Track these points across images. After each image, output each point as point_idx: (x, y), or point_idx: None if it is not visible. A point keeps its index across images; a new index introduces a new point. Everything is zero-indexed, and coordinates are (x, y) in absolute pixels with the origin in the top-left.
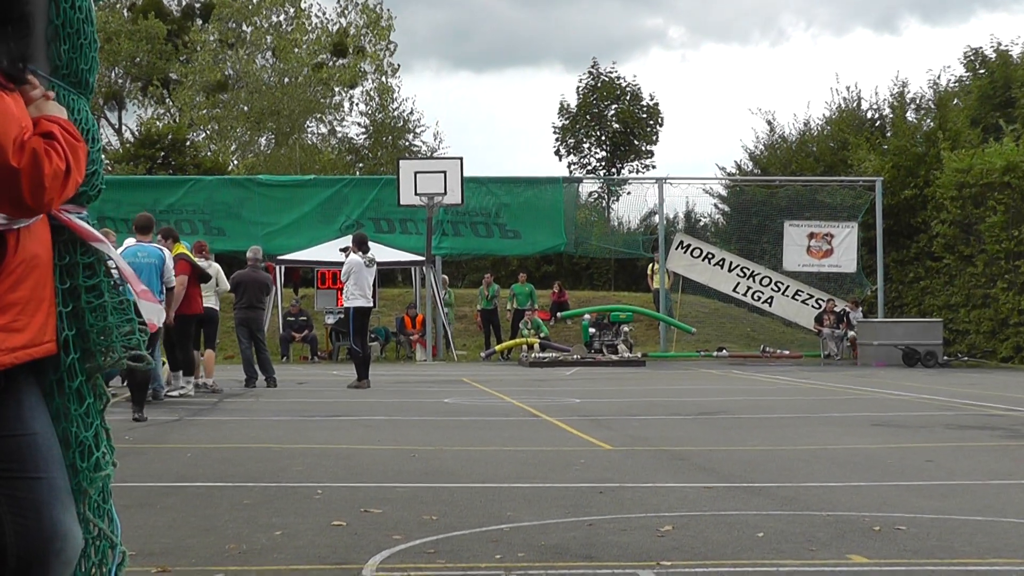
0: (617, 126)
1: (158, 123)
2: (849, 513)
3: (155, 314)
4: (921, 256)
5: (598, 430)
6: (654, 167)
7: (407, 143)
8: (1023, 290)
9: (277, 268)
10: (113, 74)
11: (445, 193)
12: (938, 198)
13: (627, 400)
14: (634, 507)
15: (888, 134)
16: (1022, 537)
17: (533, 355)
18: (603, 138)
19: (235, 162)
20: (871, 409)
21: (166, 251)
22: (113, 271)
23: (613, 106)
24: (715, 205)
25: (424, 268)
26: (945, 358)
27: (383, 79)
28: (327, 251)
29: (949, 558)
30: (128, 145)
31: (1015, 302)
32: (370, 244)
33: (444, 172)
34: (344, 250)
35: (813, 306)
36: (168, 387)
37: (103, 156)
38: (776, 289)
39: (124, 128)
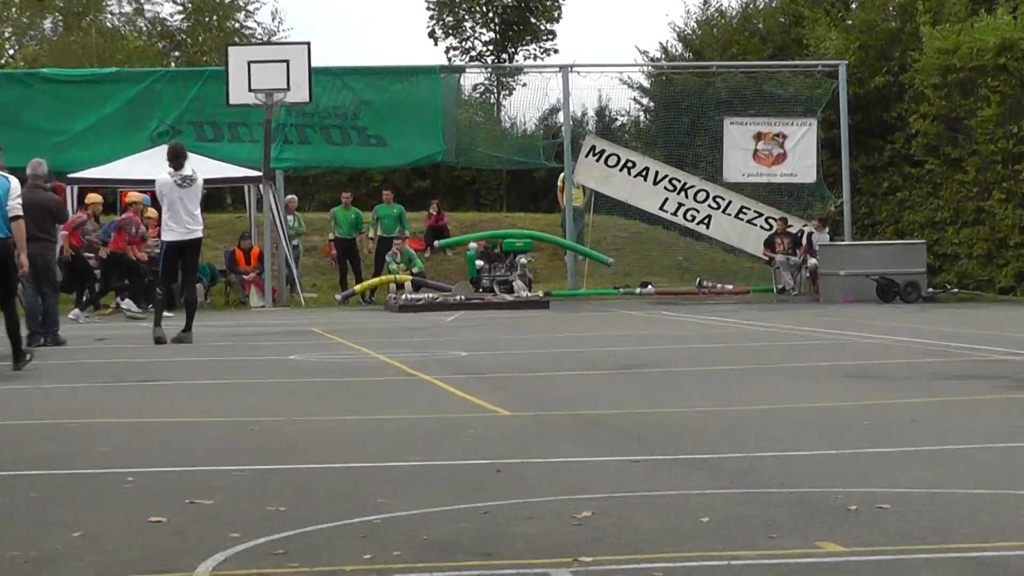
0: None
1: None
2: (817, 489)
3: None
4: (897, 161)
5: (491, 391)
6: (556, 52)
7: (237, 25)
8: (1023, 201)
9: (68, 189)
10: None
11: (288, 89)
12: (917, 86)
13: (527, 352)
14: (541, 489)
15: (853, 5)
16: None
17: (404, 296)
18: (491, 15)
19: (10, 52)
20: (839, 357)
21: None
22: None
23: None
24: (635, 99)
25: (262, 186)
26: (930, 290)
27: None
28: (135, 165)
29: (945, 543)
30: None
31: (1015, 217)
32: (189, 156)
33: (286, 62)
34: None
35: (762, 227)
36: None
37: None
38: (715, 206)
39: None
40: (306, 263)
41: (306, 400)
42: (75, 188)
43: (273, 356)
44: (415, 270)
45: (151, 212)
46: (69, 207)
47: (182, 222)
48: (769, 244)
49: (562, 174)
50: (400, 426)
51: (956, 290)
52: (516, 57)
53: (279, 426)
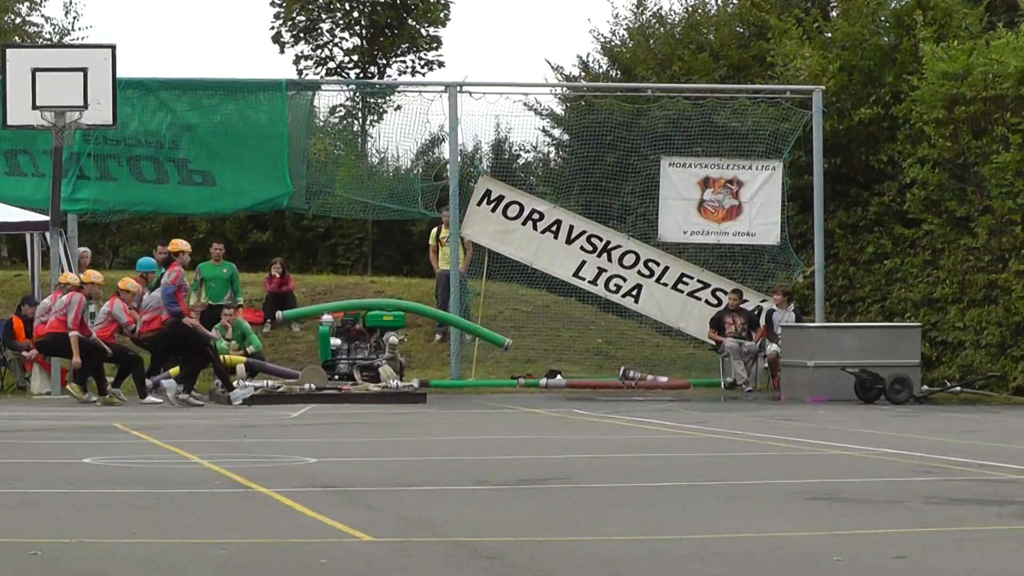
0: None
1: None
2: None
3: None
4: (886, 219)
5: (351, 509)
6: (442, 65)
7: (17, 19)
8: None
9: None
10: None
11: (86, 106)
12: (915, 122)
13: (396, 459)
14: None
15: (834, 13)
16: None
17: (236, 383)
18: (355, 15)
19: None
20: (805, 473)
21: None
22: None
23: None
24: (544, 130)
25: (48, 235)
26: (925, 388)
27: None
28: None
29: None
30: None
31: None
32: None
33: (84, 70)
34: None
35: (708, 301)
36: None
37: None
38: (646, 273)
39: None
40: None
41: (104, 518)
42: None
43: (62, 459)
44: (250, 349)
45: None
46: None
47: None
48: (717, 324)
49: (435, 228)
50: (229, 553)
51: (958, 388)
52: (388, 71)
53: (68, 552)
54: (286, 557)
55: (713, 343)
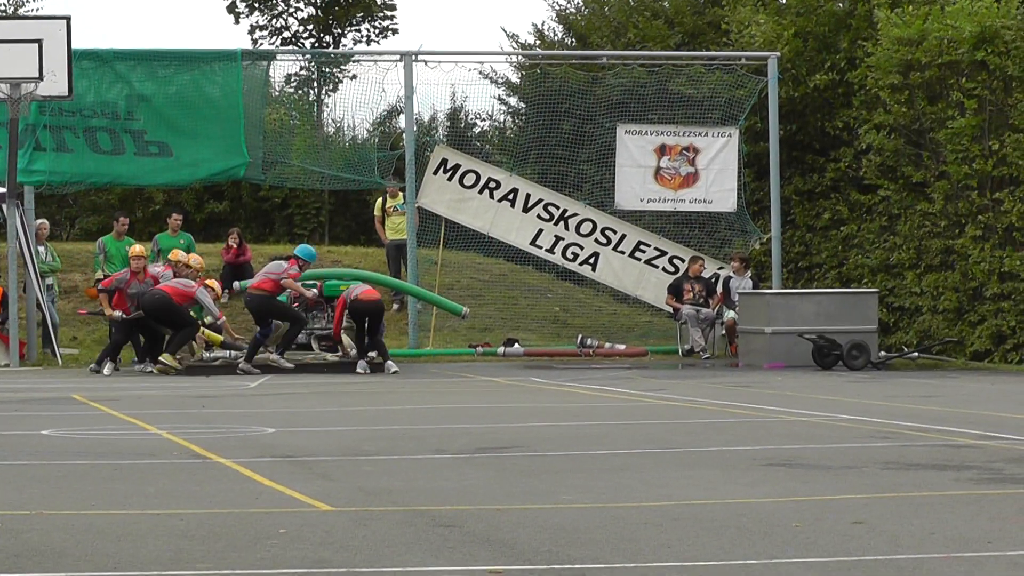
0: None
1: None
2: None
3: None
4: (842, 185)
5: (308, 479)
6: (396, 33)
7: None
8: (1005, 240)
9: None
10: None
11: (41, 78)
12: (870, 88)
13: (354, 429)
14: None
15: None
16: None
17: (194, 354)
18: None
19: None
20: (762, 439)
21: None
22: None
23: None
24: (500, 99)
25: (4, 207)
26: (882, 354)
27: None
28: None
29: None
30: None
31: (994, 260)
32: None
33: (38, 41)
34: None
35: (665, 269)
36: None
37: None
38: (603, 241)
39: None
40: (64, 309)
41: (63, 489)
42: None
43: (20, 431)
44: (207, 320)
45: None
46: None
47: None
48: (674, 291)
49: (380, 199)
50: (188, 524)
51: (916, 355)
52: (343, 41)
53: (28, 523)
54: (245, 527)
55: (670, 310)
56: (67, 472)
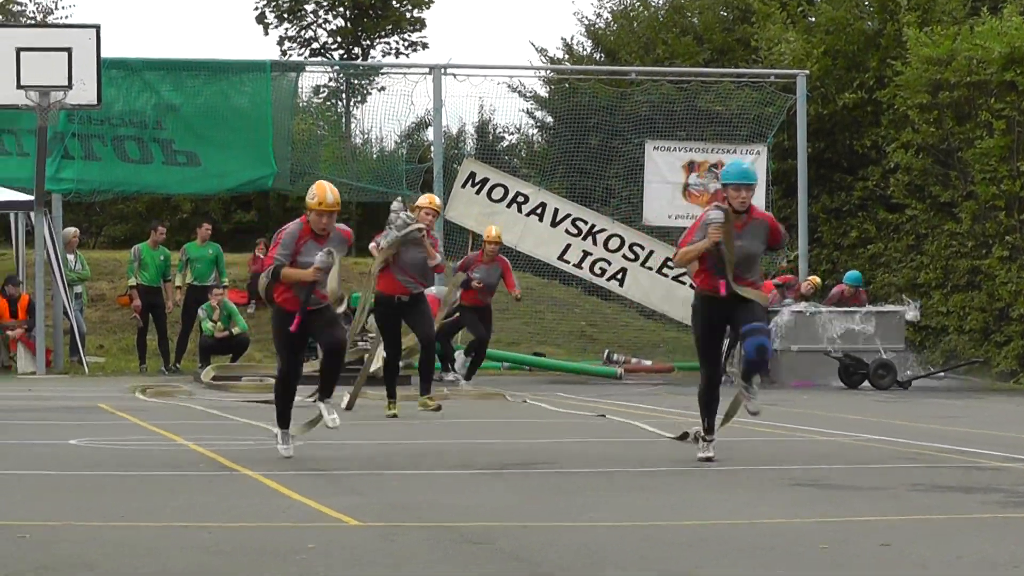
0: None
1: None
2: None
3: None
4: (870, 204)
5: (337, 493)
6: (426, 47)
7: None
8: None
9: None
10: None
11: (70, 86)
12: (898, 107)
13: (383, 444)
14: None
15: None
16: None
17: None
18: None
19: None
20: (788, 459)
21: None
22: None
23: None
24: (528, 112)
25: (32, 214)
26: (908, 373)
27: None
28: None
29: None
30: None
31: (1020, 281)
32: None
33: (68, 50)
34: None
35: (693, 286)
36: None
37: None
38: (631, 257)
39: None
40: (92, 318)
41: (91, 501)
42: None
43: (47, 440)
44: (236, 330)
45: None
46: None
47: None
48: None
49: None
50: (215, 538)
51: (942, 374)
52: (372, 53)
53: (56, 535)
54: (273, 542)
55: None
56: (95, 483)
